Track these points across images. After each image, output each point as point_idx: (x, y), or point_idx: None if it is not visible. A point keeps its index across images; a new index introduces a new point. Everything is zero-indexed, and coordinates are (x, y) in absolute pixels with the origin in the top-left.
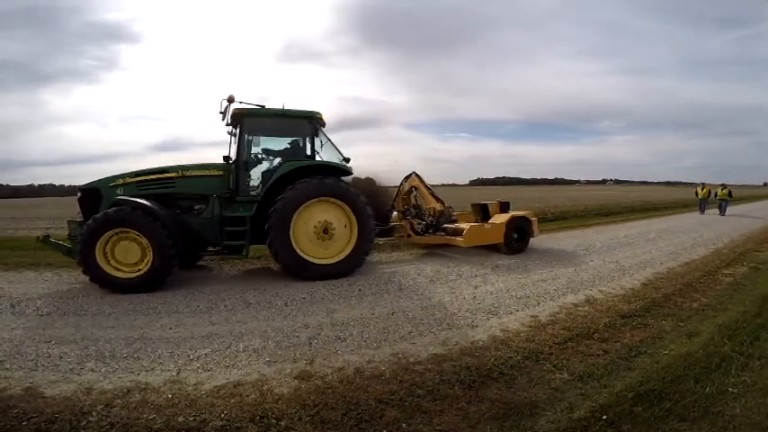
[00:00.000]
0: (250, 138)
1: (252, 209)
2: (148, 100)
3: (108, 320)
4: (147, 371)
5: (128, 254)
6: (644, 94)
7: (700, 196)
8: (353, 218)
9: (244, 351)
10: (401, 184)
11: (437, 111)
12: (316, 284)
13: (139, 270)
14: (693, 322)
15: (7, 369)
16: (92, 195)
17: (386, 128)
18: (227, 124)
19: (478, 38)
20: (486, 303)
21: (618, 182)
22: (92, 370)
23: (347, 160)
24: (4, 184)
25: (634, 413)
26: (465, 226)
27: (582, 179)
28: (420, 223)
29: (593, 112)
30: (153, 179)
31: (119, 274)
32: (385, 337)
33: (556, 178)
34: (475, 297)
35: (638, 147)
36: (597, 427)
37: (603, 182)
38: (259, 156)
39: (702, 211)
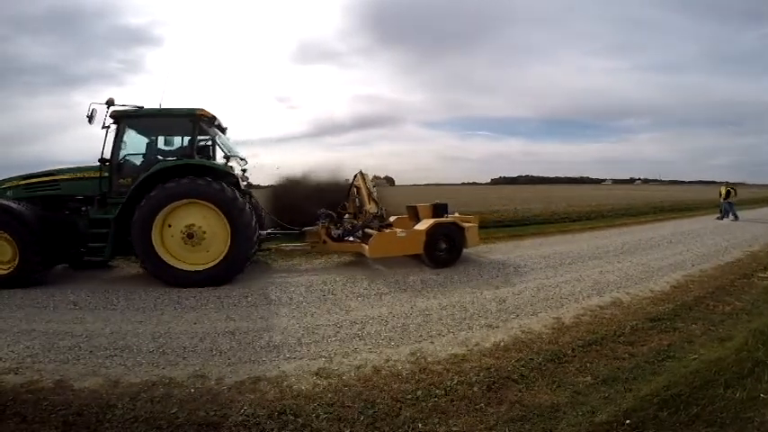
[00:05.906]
0: (151, 138)
1: (116, 211)
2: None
3: (136, 315)
4: (171, 365)
5: (1, 252)
6: (671, 90)
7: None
8: (225, 221)
9: (265, 347)
10: (351, 185)
11: (455, 109)
12: (334, 280)
13: (10, 267)
14: (726, 326)
15: (41, 362)
16: None
17: (402, 127)
18: (104, 127)
19: (496, 35)
20: (508, 304)
21: (646, 181)
22: (119, 364)
23: (227, 159)
24: None
25: (659, 418)
26: (375, 233)
27: (608, 178)
28: (338, 227)
29: (617, 110)
30: (39, 182)
31: None
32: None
33: (581, 177)
34: (496, 297)
35: (666, 145)
36: (620, 431)
37: (632, 181)
38: (149, 156)
39: (722, 216)
